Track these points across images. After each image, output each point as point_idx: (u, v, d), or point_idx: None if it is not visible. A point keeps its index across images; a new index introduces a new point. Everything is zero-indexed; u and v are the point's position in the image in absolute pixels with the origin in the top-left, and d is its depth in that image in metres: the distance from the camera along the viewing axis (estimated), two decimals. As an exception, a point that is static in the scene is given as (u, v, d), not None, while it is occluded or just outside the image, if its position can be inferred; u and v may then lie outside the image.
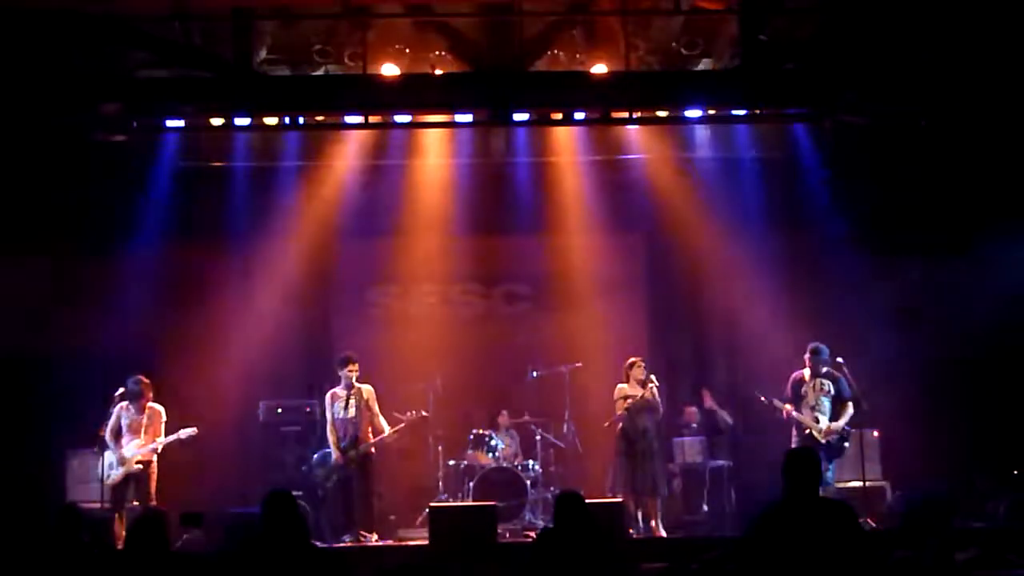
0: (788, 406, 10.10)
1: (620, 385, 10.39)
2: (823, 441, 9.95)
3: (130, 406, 9.86)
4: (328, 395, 10.34)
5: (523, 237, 12.70)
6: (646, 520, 10.20)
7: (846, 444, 10.17)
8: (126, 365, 10.23)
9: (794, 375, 10.27)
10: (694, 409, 11.78)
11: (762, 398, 10.25)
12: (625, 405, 10.28)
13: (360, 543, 9.89)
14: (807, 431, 10.04)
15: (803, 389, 10.18)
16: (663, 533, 10.13)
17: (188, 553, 7.95)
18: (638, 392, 10.29)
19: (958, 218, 11.46)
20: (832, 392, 10.15)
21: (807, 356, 10.20)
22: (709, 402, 11.67)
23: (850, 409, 10.12)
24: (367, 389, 10.31)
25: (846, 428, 10.12)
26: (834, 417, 10.10)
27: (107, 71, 9.43)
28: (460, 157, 12.36)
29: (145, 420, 9.86)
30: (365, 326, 12.52)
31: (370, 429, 10.27)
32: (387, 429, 10.32)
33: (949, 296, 11.51)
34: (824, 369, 10.17)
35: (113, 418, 9.84)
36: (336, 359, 10.47)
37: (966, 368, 11.33)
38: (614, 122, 11.17)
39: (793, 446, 9.82)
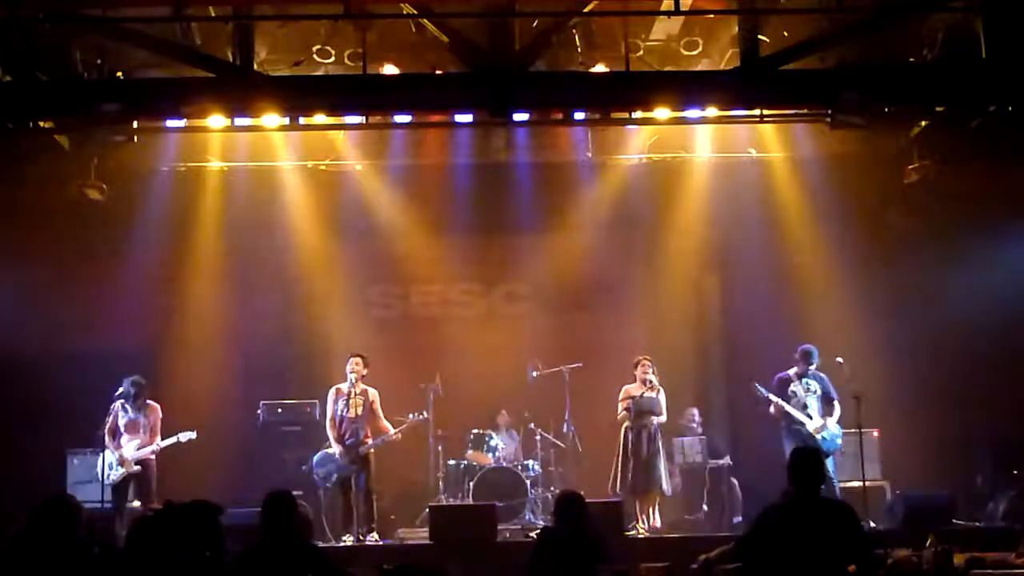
0: (780, 400, 10.13)
1: (626, 387, 10.44)
2: (817, 437, 9.99)
3: (127, 406, 9.87)
4: (332, 390, 10.34)
5: (523, 237, 12.71)
6: (646, 518, 10.23)
7: (839, 441, 10.18)
8: (126, 365, 10.24)
9: (779, 375, 10.33)
10: (694, 410, 11.77)
11: (759, 389, 10.23)
12: (624, 406, 10.37)
13: (360, 543, 9.89)
14: (796, 427, 10.07)
15: (790, 389, 10.25)
16: (658, 525, 10.15)
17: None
18: (641, 392, 10.34)
19: (958, 218, 11.46)
20: (818, 392, 10.23)
21: (798, 357, 10.28)
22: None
23: (837, 408, 10.20)
24: (372, 392, 10.32)
25: (838, 426, 10.17)
26: (828, 413, 10.18)
27: (107, 71, 9.42)
28: (460, 157, 12.36)
29: (143, 420, 9.89)
30: (365, 326, 12.52)
31: (370, 431, 10.27)
32: (391, 430, 10.32)
33: (949, 295, 11.50)
34: (810, 370, 10.24)
35: (111, 418, 9.86)
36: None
37: (966, 368, 11.32)
38: (614, 122, 11.18)
39: (784, 443, 9.88)
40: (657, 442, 10.38)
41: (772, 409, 10.19)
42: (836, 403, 10.22)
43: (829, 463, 9.89)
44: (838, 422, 10.20)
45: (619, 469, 10.35)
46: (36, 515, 5.11)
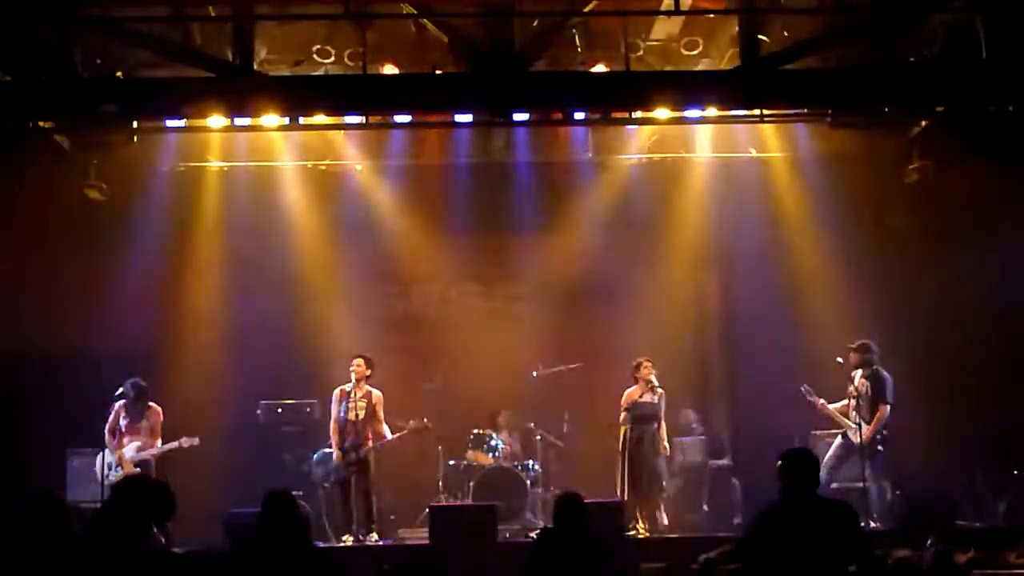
0: (821, 400, 10.16)
1: (628, 391, 10.43)
2: (856, 443, 9.99)
3: (128, 407, 9.88)
4: (336, 391, 10.34)
5: (523, 237, 12.70)
6: (651, 519, 10.24)
7: (879, 448, 10.06)
8: (126, 365, 10.24)
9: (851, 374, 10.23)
10: (690, 411, 11.78)
11: (807, 391, 10.21)
12: (625, 407, 10.37)
13: (360, 543, 9.89)
14: (843, 429, 10.13)
15: (850, 388, 10.19)
16: (666, 522, 10.18)
17: (188, 553, 7.94)
18: (641, 394, 10.35)
19: (957, 218, 11.46)
20: (869, 393, 10.12)
21: (854, 353, 10.18)
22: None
23: (884, 412, 10.05)
24: (376, 394, 10.31)
25: (883, 431, 10.06)
26: (869, 417, 10.06)
27: (107, 71, 9.42)
28: (460, 157, 12.36)
29: (144, 421, 9.89)
30: (365, 326, 12.52)
31: (371, 433, 10.27)
32: (389, 435, 10.31)
33: (949, 295, 11.49)
34: (869, 368, 10.15)
35: (111, 419, 9.87)
36: None
37: (966, 368, 11.31)
38: (614, 122, 11.18)
39: (834, 448, 10.05)
40: (659, 445, 10.38)
41: (819, 408, 10.22)
42: (884, 408, 10.03)
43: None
44: (883, 427, 10.07)
45: (624, 473, 10.35)
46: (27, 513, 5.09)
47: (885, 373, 10.16)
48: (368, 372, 10.28)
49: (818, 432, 10.70)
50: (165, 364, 11.29)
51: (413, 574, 4.99)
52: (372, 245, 12.66)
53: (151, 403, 9.98)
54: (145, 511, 5.12)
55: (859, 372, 10.20)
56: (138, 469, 9.79)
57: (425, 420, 10.65)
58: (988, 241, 11.41)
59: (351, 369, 10.26)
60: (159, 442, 9.91)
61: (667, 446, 10.52)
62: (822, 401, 10.23)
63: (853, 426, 10.04)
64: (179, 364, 11.50)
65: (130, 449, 9.80)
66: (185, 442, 9.93)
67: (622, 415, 10.40)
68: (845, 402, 10.22)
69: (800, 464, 5.49)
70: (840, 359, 10.27)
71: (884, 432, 10.09)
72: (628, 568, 7.57)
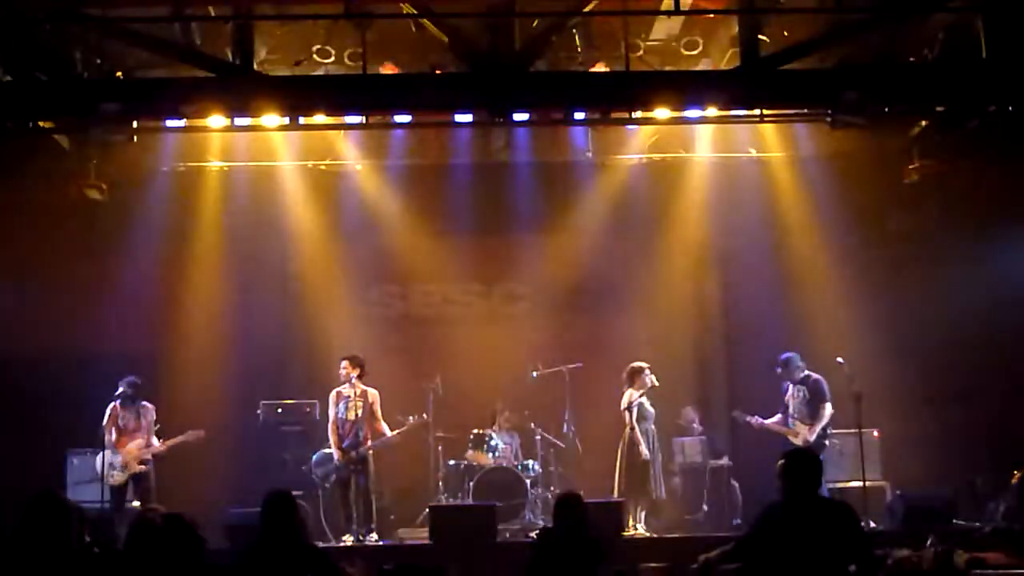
0: (755, 419, 10.39)
1: (629, 390, 10.43)
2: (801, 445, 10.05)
3: (124, 407, 9.89)
4: (333, 394, 10.36)
5: (523, 237, 12.71)
6: (651, 518, 10.25)
7: (826, 443, 10.21)
8: (126, 365, 10.25)
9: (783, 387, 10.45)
10: (690, 409, 11.79)
11: (740, 417, 10.54)
12: (626, 407, 10.37)
13: (360, 543, 9.90)
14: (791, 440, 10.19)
15: (785, 399, 10.38)
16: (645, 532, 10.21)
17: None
18: (643, 395, 10.37)
19: (959, 218, 11.46)
20: (807, 397, 10.26)
21: (781, 369, 10.38)
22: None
23: (826, 410, 10.20)
24: (372, 393, 10.32)
25: (826, 429, 10.22)
26: (812, 419, 10.20)
27: (107, 71, 9.43)
28: (460, 157, 12.36)
29: (140, 420, 9.91)
30: (365, 326, 12.52)
31: (370, 433, 10.27)
32: (388, 433, 10.32)
33: (950, 296, 11.49)
34: (799, 376, 10.32)
35: (107, 419, 9.88)
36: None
37: (966, 368, 11.32)
38: (614, 122, 11.18)
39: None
40: (655, 444, 10.43)
41: (756, 426, 10.43)
42: (825, 406, 10.19)
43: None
44: (827, 424, 10.23)
45: (622, 474, 10.36)
46: (30, 514, 5.09)
47: (816, 375, 10.34)
48: (356, 372, 10.28)
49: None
50: (165, 364, 11.30)
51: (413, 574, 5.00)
52: (372, 245, 12.66)
53: (145, 402, 10.00)
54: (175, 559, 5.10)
55: (789, 384, 10.37)
56: (143, 467, 9.81)
57: (425, 416, 10.66)
58: (989, 241, 11.41)
59: (341, 370, 10.28)
60: (154, 440, 9.92)
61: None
62: (757, 419, 10.44)
63: (798, 433, 10.18)
64: (179, 364, 11.50)
65: (131, 448, 9.81)
66: (191, 436, 9.97)
67: (625, 415, 10.39)
68: (779, 416, 10.38)
69: (801, 464, 5.50)
70: (840, 359, 10.28)
71: (828, 430, 10.25)
72: (628, 568, 7.57)
